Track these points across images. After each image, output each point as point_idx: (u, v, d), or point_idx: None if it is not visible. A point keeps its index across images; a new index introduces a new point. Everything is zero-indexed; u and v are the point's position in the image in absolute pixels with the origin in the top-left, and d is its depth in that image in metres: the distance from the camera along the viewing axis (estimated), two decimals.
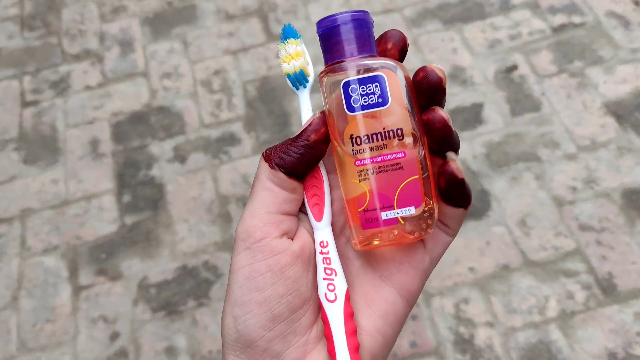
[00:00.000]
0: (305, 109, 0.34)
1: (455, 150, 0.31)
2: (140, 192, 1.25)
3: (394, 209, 0.31)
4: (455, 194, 0.31)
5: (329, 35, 0.32)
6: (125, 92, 1.40)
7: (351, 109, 0.31)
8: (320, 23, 0.32)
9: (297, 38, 0.34)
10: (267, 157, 0.32)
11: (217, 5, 1.54)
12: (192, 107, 1.36)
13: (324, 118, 0.32)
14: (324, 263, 0.32)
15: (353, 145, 0.31)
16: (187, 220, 1.21)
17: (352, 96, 0.31)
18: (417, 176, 0.31)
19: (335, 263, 0.32)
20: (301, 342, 0.31)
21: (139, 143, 1.32)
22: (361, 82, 0.31)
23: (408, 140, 0.31)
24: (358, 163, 0.31)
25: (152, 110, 1.37)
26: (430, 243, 0.33)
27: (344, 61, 0.31)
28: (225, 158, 1.28)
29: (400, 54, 0.32)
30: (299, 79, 0.34)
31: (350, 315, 0.31)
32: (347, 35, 0.31)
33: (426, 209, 0.31)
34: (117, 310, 1.12)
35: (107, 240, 1.20)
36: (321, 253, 0.32)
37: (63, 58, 1.48)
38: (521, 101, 1.30)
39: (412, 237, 0.31)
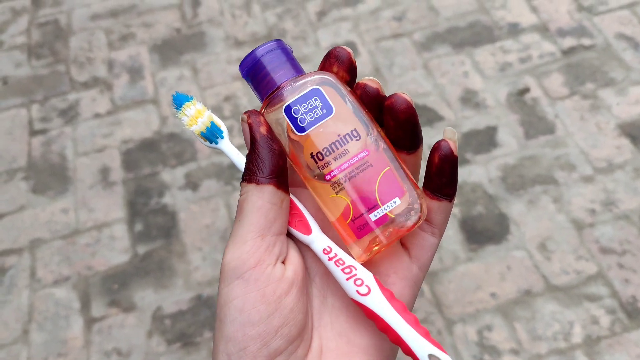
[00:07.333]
0: (235, 154, 0.34)
1: (420, 132, 0.31)
2: (152, 220, 1.23)
3: (379, 207, 0.31)
4: (447, 174, 0.31)
5: (254, 74, 0.32)
6: (135, 119, 1.39)
7: (301, 129, 0.31)
8: (241, 66, 0.32)
9: (190, 100, 0.35)
10: (249, 179, 0.30)
11: (225, 31, 1.54)
12: None
13: (252, 111, 0.31)
14: (338, 266, 0.31)
15: (317, 162, 0.31)
16: (200, 249, 1.19)
17: (297, 117, 0.31)
18: (388, 167, 0.31)
19: (349, 260, 0.31)
20: None
21: (150, 171, 1.31)
22: (300, 101, 0.31)
23: (365, 137, 0.31)
24: (328, 177, 0.31)
25: (163, 137, 1.36)
26: (415, 249, 0.32)
27: (279, 88, 0.32)
28: (237, 185, 1.27)
29: (349, 74, 0.32)
30: (214, 133, 0.34)
31: (392, 296, 0.30)
32: (271, 66, 0.32)
33: (410, 196, 0.31)
34: (131, 343, 1.09)
35: (119, 270, 1.18)
36: (330, 259, 0.31)
37: (71, 86, 1.47)
38: (535, 124, 1.30)
39: (407, 227, 0.31)
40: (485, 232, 1.16)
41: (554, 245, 1.13)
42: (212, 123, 0.34)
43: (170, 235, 1.21)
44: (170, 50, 1.52)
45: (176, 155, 1.32)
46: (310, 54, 1.46)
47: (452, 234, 1.16)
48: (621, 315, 1.05)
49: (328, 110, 0.31)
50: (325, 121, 0.31)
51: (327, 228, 0.32)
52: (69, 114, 1.42)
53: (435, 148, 0.31)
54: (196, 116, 0.34)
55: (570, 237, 1.14)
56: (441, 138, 0.31)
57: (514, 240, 1.14)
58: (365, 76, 1.40)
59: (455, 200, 1.20)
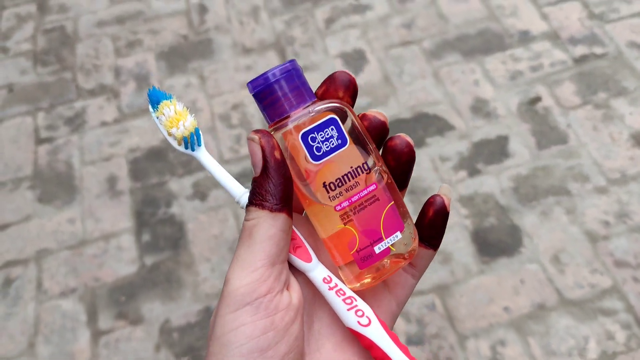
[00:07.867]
0: (214, 165, 0.33)
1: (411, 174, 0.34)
2: (159, 230, 1.22)
3: (383, 240, 0.32)
4: (438, 227, 0.33)
5: (266, 94, 0.32)
6: (143, 127, 1.38)
7: (316, 157, 0.31)
8: (253, 83, 0.32)
9: (169, 99, 0.32)
10: (260, 205, 0.30)
11: (233, 39, 1.52)
12: (211, 142, 1.34)
13: (264, 131, 0.31)
14: (339, 296, 0.32)
15: (328, 192, 0.31)
16: (209, 260, 1.17)
17: (313, 145, 0.31)
18: (392, 202, 0.32)
19: (349, 290, 0.32)
20: None
21: (158, 180, 1.29)
22: (318, 129, 0.31)
23: (373, 170, 0.32)
24: (338, 208, 0.31)
25: (170, 146, 1.34)
26: (396, 288, 0.34)
27: (290, 116, 0.31)
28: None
29: (352, 99, 0.33)
30: (193, 140, 0.32)
31: (386, 328, 0.32)
32: (285, 90, 0.31)
33: (407, 230, 0.32)
34: (139, 356, 1.08)
35: (127, 281, 1.16)
36: (330, 289, 0.32)
37: (78, 93, 1.46)
38: (547, 133, 1.28)
39: (404, 259, 0.32)
40: (497, 244, 1.14)
41: (568, 258, 1.11)
42: (197, 130, 0.32)
43: (178, 245, 1.20)
44: (177, 57, 1.50)
45: (184, 165, 1.31)
46: (319, 62, 1.45)
47: (464, 246, 1.14)
48: (637, 330, 1.03)
49: (343, 141, 0.31)
50: (340, 152, 0.31)
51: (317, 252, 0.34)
52: (76, 122, 1.41)
53: (430, 203, 0.33)
54: (177, 118, 0.32)
55: (584, 250, 1.12)
56: (436, 193, 0.33)
57: (527, 252, 1.13)
58: (375, 85, 1.39)
59: (467, 212, 1.18)
